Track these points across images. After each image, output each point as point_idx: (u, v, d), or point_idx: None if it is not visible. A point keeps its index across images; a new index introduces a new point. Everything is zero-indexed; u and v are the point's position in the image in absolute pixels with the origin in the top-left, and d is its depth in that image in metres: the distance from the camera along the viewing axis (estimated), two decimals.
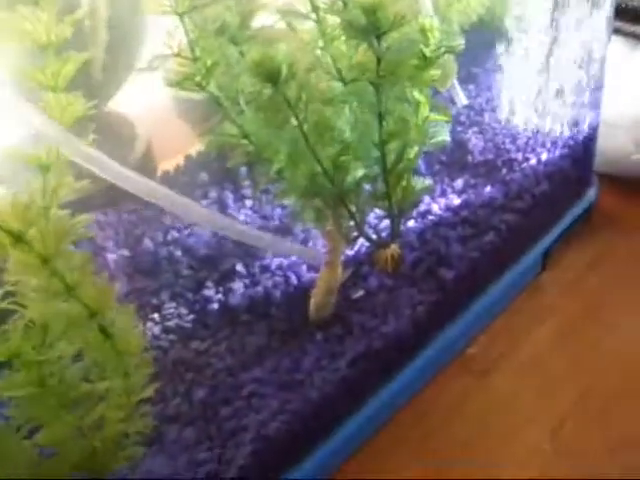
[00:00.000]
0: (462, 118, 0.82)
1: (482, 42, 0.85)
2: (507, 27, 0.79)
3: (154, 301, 0.62)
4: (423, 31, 0.57)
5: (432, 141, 0.60)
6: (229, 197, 0.72)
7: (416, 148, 0.60)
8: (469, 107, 0.84)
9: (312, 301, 0.62)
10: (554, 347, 0.72)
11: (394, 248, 0.65)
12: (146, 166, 0.76)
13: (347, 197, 0.58)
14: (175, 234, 0.68)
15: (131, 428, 0.50)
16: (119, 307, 0.46)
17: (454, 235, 0.69)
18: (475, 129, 0.81)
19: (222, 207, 0.71)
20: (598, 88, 0.79)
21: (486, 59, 0.89)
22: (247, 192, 0.73)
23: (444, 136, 0.60)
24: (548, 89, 0.78)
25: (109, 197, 0.68)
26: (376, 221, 0.69)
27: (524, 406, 0.67)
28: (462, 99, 0.83)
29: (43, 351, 0.44)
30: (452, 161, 0.77)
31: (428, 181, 0.62)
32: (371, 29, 0.52)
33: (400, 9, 0.53)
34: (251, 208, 0.72)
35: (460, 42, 0.59)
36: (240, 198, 0.73)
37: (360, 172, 0.58)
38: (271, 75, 0.51)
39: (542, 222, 0.77)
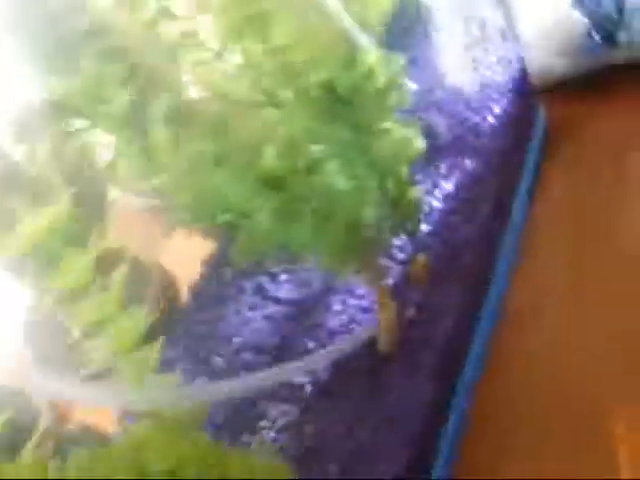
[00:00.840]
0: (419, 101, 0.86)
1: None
2: None
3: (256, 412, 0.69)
4: (372, 71, 0.62)
5: (411, 154, 0.67)
6: (264, 281, 0.78)
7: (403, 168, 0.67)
8: (419, 90, 0.86)
9: (379, 341, 0.70)
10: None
11: (420, 259, 0.73)
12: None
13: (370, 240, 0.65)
14: (238, 339, 0.75)
15: None
16: None
17: (457, 220, 0.76)
18: (434, 109, 0.86)
19: (263, 293, 0.78)
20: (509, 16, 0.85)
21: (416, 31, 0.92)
22: (275, 269, 0.79)
23: (419, 145, 0.67)
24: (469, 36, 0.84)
25: None
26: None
27: None
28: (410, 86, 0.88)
29: None
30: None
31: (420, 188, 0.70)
32: (336, 102, 0.57)
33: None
34: (290, 282, 0.77)
35: (401, 61, 0.64)
36: (274, 278, 0.78)
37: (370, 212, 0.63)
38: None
39: (518, 168, 0.85)
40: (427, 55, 0.90)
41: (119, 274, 0.48)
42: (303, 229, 0.57)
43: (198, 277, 0.82)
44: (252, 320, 0.75)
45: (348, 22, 0.65)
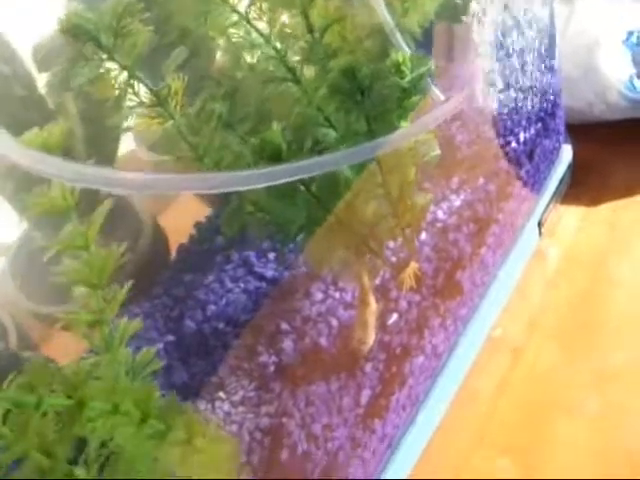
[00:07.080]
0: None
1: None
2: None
3: (215, 379, 0.68)
4: (397, 66, 0.61)
5: (425, 159, 0.66)
6: (252, 255, 0.77)
7: (413, 169, 0.65)
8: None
9: (354, 338, 0.69)
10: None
11: (413, 266, 0.71)
12: (158, 249, 0.81)
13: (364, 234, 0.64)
14: (213, 307, 0.74)
15: None
16: None
17: (462, 237, 0.75)
18: (457, 122, 0.83)
19: (249, 267, 0.76)
20: (551, 49, 0.83)
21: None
22: (266, 246, 0.77)
23: (435, 151, 0.65)
24: (508, 62, 0.82)
25: None
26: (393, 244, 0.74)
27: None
28: (439, 96, 0.86)
29: None
30: (443, 160, 0.81)
31: (429, 195, 0.68)
32: (355, 90, 0.55)
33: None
34: (277, 261, 0.76)
35: (431, 64, 0.63)
36: (263, 254, 0.77)
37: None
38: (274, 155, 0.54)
39: (533, 196, 0.82)
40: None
41: (101, 210, 0.46)
42: (296, 211, 0.56)
43: (188, 239, 0.81)
44: (231, 292, 0.73)
45: (387, 19, 0.63)
